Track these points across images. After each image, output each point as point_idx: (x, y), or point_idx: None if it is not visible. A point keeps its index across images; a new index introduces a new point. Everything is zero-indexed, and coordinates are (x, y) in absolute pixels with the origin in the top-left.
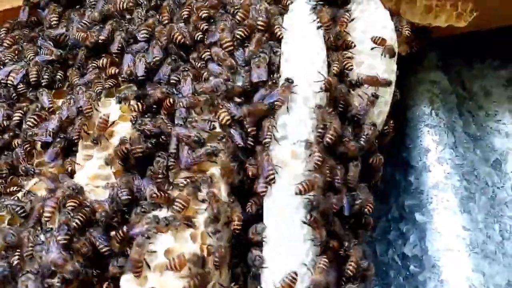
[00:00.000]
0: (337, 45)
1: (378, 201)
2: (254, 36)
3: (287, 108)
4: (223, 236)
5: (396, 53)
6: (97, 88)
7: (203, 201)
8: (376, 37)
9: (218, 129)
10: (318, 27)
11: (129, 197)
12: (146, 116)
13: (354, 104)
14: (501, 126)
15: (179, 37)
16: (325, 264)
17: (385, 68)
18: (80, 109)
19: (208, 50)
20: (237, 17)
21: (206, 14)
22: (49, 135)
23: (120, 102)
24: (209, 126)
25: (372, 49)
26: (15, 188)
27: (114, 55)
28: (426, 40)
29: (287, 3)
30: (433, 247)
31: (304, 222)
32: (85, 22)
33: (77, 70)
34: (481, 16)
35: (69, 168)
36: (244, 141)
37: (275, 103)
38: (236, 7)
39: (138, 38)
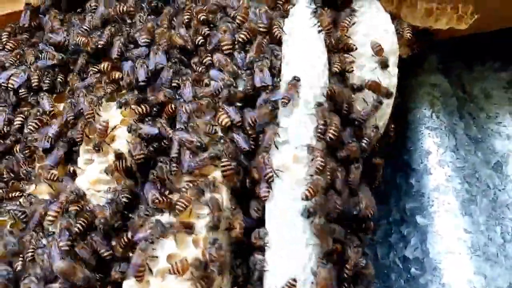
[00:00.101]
0: (339, 48)
1: (379, 204)
2: (255, 40)
3: (292, 105)
4: (222, 245)
5: (397, 60)
6: (98, 93)
7: (205, 204)
8: (376, 44)
9: (219, 133)
10: (319, 31)
11: (129, 199)
12: (147, 119)
13: (356, 108)
14: (502, 128)
15: (180, 41)
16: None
17: (387, 72)
18: (81, 111)
19: (209, 55)
20: (237, 20)
21: (204, 17)
22: (48, 141)
23: (120, 107)
24: (210, 129)
25: (372, 55)
26: (17, 193)
27: (114, 60)
28: (428, 43)
29: (288, 7)
30: (434, 249)
31: (314, 234)
32: (86, 27)
33: (78, 75)
34: (481, 18)
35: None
36: (248, 145)
37: (282, 100)
38: (235, 11)
39: (139, 42)
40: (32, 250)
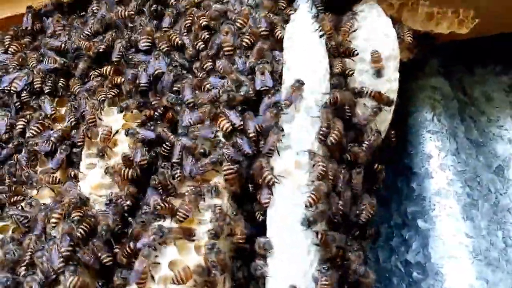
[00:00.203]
0: (340, 53)
1: (381, 208)
2: (255, 46)
3: (294, 110)
4: (221, 249)
5: (398, 64)
6: (100, 97)
7: (207, 210)
8: (375, 52)
9: (219, 137)
10: (321, 36)
11: (131, 205)
12: (149, 124)
13: (357, 112)
14: (503, 132)
15: (179, 41)
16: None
17: (388, 77)
18: (83, 115)
19: (210, 60)
20: (237, 24)
21: (206, 23)
22: (49, 145)
23: (122, 111)
24: (211, 134)
25: None
26: (19, 197)
27: (114, 62)
28: (430, 46)
29: (289, 12)
30: (436, 254)
31: (317, 244)
32: (88, 32)
33: (79, 79)
34: (482, 22)
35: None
36: (252, 149)
37: (283, 103)
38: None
39: (139, 47)
40: (31, 253)
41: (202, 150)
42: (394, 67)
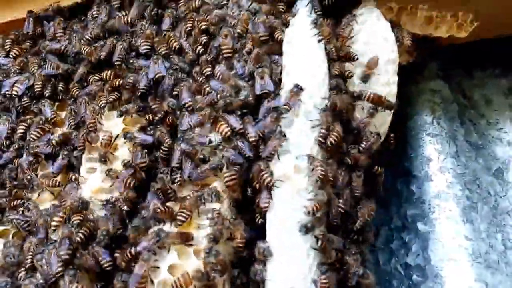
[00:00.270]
0: (340, 57)
1: (381, 210)
2: (254, 51)
3: (293, 115)
4: (219, 252)
5: (397, 68)
6: (100, 102)
7: (206, 214)
8: (372, 59)
9: (214, 144)
10: (319, 40)
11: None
12: (149, 128)
13: (356, 116)
14: (503, 134)
15: (176, 45)
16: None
17: (387, 80)
18: (83, 119)
19: (210, 66)
20: (237, 29)
21: (205, 27)
22: (49, 147)
23: (121, 116)
24: (207, 140)
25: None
26: (19, 201)
27: (116, 66)
28: (430, 49)
29: (288, 17)
30: (436, 256)
31: (315, 249)
32: (89, 36)
33: (79, 83)
34: (481, 26)
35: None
36: (252, 152)
37: (283, 107)
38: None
39: (140, 50)
40: (31, 256)
41: (201, 156)
42: (393, 71)
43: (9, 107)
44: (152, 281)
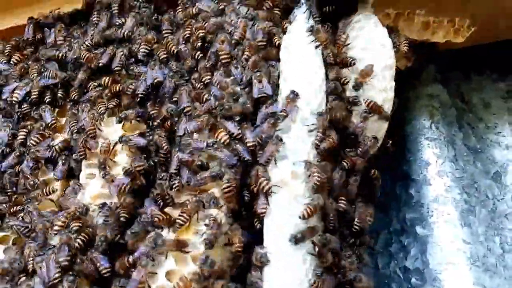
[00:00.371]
0: (337, 63)
1: (380, 214)
2: (251, 58)
3: (290, 121)
4: (214, 260)
5: (394, 74)
6: (100, 109)
7: (204, 220)
8: (367, 68)
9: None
10: (316, 47)
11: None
12: (148, 132)
13: (353, 120)
14: (501, 138)
15: (174, 48)
16: None
17: (384, 86)
18: (82, 126)
19: (209, 73)
20: (235, 36)
21: (202, 34)
22: (49, 151)
23: (120, 122)
24: (204, 146)
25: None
26: (19, 207)
27: (115, 72)
28: (428, 54)
29: (285, 24)
30: (434, 260)
31: (312, 254)
32: (89, 43)
33: (78, 89)
34: (477, 30)
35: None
36: (250, 155)
37: (280, 113)
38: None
39: (139, 54)
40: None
41: (199, 163)
42: (390, 77)
43: (11, 113)
44: (149, 287)
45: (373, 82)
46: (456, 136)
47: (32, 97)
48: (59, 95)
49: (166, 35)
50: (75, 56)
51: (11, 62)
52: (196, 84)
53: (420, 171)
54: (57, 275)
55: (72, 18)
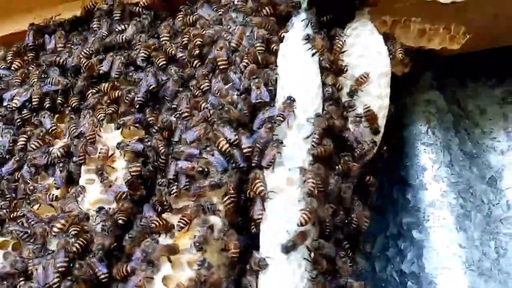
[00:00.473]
0: (333, 69)
1: (377, 218)
2: (248, 66)
3: (287, 127)
4: (211, 263)
5: (389, 81)
6: (99, 115)
7: (201, 226)
8: (363, 76)
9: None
10: (313, 54)
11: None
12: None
13: (349, 125)
14: (496, 143)
15: (172, 51)
16: None
17: (379, 93)
18: (81, 131)
19: (207, 81)
20: (232, 44)
21: (200, 42)
22: (45, 157)
23: (119, 128)
24: (197, 153)
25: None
26: (19, 213)
27: (115, 79)
28: (425, 61)
29: (282, 32)
30: (430, 264)
31: (308, 260)
32: (89, 50)
33: (78, 95)
34: (473, 37)
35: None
36: (246, 162)
37: (277, 118)
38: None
39: (137, 59)
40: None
41: (200, 169)
42: (386, 84)
43: (12, 119)
44: None
45: (369, 89)
46: (452, 141)
47: (32, 103)
48: (58, 101)
49: (164, 42)
50: (75, 63)
51: (12, 68)
52: (195, 91)
53: (416, 176)
54: (55, 280)
55: (72, 25)
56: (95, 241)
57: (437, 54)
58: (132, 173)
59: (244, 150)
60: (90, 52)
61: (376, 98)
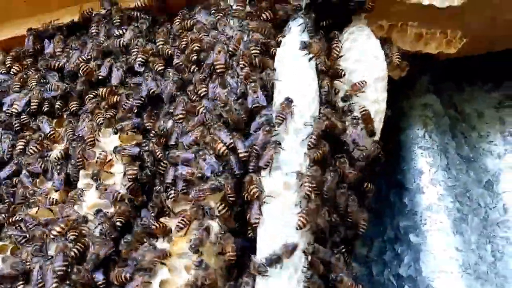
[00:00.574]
0: (329, 72)
1: (375, 222)
2: (244, 69)
3: (284, 132)
4: (208, 264)
5: (386, 85)
6: (98, 119)
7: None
8: (360, 82)
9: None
10: (310, 59)
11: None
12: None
13: (347, 127)
14: (493, 147)
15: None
16: None
17: (376, 98)
18: (80, 135)
19: (205, 86)
20: (230, 48)
21: (197, 48)
22: (40, 165)
23: (116, 133)
24: (192, 157)
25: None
26: (17, 217)
27: (114, 86)
28: (422, 65)
29: (279, 38)
30: (427, 268)
31: (304, 267)
32: (88, 55)
33: (77, 99)
34: (470, 42)
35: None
36: (241, 170)
37: (276, 118)
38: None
39: (135, 64)
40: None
41: (199, 175)
42: (382, 88)
43: (11, 125)
44: None
45: (366, 93)
46: (449, 145)
47: (31, 107)
48: (57, 105)
49: (161, 45)
50: (73, 68)
51: (11, 72)
52: (192, 96)
53: (413, 180)
54: (54, 285)
55: (70, 29)
56: (90, 250)
57: (434, 58)
58: (129, 176)
59: (241, 155)
60: (89, 57)
61: (373, 102)
